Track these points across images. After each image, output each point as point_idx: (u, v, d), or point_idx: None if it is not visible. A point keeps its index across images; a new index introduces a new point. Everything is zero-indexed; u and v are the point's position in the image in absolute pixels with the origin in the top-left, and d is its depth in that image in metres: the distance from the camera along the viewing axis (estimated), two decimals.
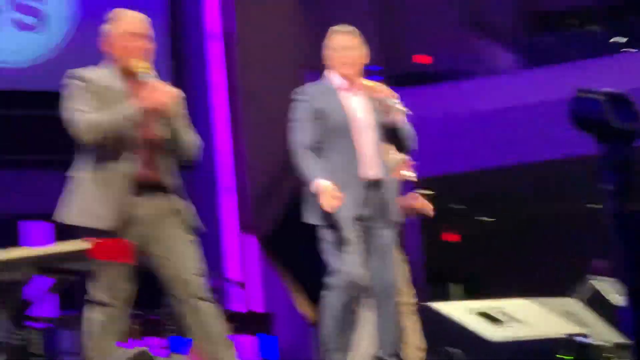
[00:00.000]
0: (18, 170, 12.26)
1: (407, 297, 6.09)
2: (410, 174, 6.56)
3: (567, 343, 6.36)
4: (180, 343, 9.39)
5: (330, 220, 5.02)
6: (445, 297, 16.05)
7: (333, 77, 5.32)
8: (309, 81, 5.48)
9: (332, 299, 5.09)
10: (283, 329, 12.08)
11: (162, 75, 4.72)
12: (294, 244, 9.34)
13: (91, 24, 12.69)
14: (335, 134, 5.13)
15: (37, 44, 12.37)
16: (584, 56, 14.60)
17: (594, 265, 11.10)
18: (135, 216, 4.61)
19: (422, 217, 5.60)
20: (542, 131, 13.67)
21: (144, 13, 4.74)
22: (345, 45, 5.32)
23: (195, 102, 13.14)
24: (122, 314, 4.62)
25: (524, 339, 6.36)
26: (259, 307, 12.78)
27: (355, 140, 5.15)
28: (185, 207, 4.77)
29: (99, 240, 4.42)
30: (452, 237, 18.47)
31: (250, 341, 11.57)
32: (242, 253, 13.20)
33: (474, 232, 17.75)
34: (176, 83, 12.95)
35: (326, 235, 5.07)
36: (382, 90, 5.32)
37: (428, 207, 6.45)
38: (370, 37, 17.19)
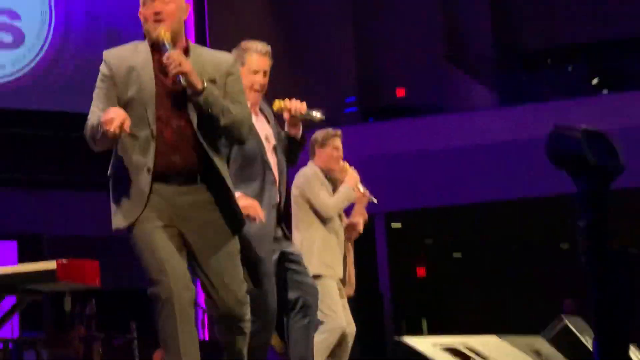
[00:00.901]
0: None
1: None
2: (369, 195, 6.55)
3: None
4: None
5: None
6: (414, 331, 15.98)
7: None
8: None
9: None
10: None
11: None
12: None
13: (67, 41, 12.70)
14: (249, 160, 4.98)
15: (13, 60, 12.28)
16: (561, 95, 14.67)
17: (565, 304, 11.12)
18: (170, 210, 4.14)
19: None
20: (516, 169, 13.70)
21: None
22: (258, 68, 5.04)
23: None
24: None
25: None
26: None
27: (266, 164, 5.04)
28: (226, 203, 4.23)
29: (65, 262, 4.33)
30: (421, 271, 18.43)
31: None
32: None
33: (444, 268, 17.71)
34: None
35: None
36: (294, 104, 5.16)
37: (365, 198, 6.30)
38: (347, 68, 17.34)
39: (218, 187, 4.21)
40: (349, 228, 6.69)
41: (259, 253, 4.91)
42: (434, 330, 16.29)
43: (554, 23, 18.93)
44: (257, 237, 4.88)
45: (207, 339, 11.99)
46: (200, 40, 13.27)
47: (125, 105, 4.12)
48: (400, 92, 17.41)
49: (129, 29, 12.86)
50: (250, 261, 4.81)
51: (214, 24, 13.58)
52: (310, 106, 5.19)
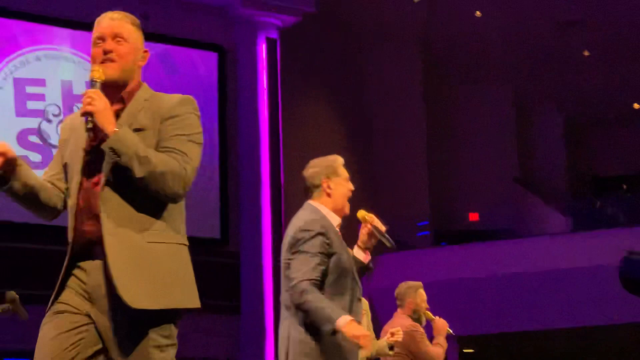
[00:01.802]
0: None
1: None
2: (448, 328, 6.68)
3: None
4: None
5: None
6: None
7: (329, 212, 4.82)
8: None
9: None
10: None
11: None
12: None
13: None
14: (345, 272, 4.90)
15: None
16: (635, 221, 14.51)
17: None
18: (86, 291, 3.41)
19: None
20: (590, 295, 13.50)
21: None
22: (348, 177, 4.92)
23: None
24: None
25: None
26: None
27: (355, 280, 4.98)
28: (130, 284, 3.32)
29: None
30: None
31: None
32: None
33: None
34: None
35: None
36: (377, 220, 5.14)
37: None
38: (420, 191, 17.27)
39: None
40: None
41: None
42: None
43: (629, 150, 18.89)
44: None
45: None
46: (274, 154, 13.39)
47: (65, 167, 3.57)
48: (474, 217, 17.37)
49: (205, 152, 13.08)
50: None
51: (287, 138, 13.73)
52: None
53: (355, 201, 4.91)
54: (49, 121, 12.45)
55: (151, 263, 3.37)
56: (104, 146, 3.33)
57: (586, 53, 16.98)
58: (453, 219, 17.38)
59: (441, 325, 6.70)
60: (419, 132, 16.98)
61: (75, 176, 3.48)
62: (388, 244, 5.05)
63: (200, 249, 12.68)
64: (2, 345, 11.64)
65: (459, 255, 14.95)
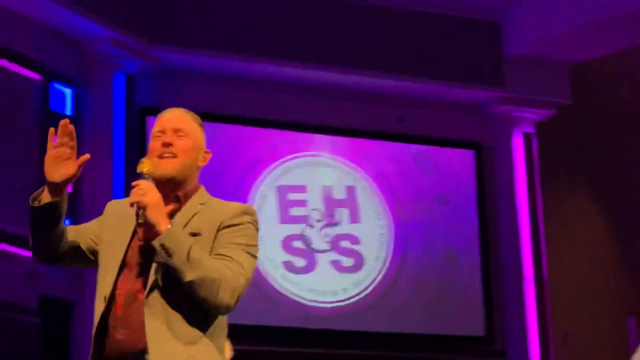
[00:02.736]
0: None
1: None
2: None
3: None
4: None
5: None
6: None
7: None
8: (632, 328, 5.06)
9: None
10: None
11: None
12: None
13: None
14: None
15: (353, 283, 12.63)
16: None
17: None
18: None
19: None
20: None
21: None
22: None
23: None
24: None
25: None
26: None
27: None
28: None
29: None
30: None
31: None
32: None
33: None
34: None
35: None
36: None
37: None
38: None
39: None
40: None
41: None
42: None
43: None
44: None
45: None
46: (536, 250, 13.15)
47: (98, 249, 3.37)
48: None
49: (467, 250, 13.01)
50: None
51: (548, 231, 13.47)
52: None
53: (622, 294, 4.76)
54: (311, 226, 12.73)
55: None
56: (155, 242, 3.08)
57: None
58: None
59: None
60: None
61: (110, 275, 3.23)
62: None
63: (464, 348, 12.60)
64: None
65: None
